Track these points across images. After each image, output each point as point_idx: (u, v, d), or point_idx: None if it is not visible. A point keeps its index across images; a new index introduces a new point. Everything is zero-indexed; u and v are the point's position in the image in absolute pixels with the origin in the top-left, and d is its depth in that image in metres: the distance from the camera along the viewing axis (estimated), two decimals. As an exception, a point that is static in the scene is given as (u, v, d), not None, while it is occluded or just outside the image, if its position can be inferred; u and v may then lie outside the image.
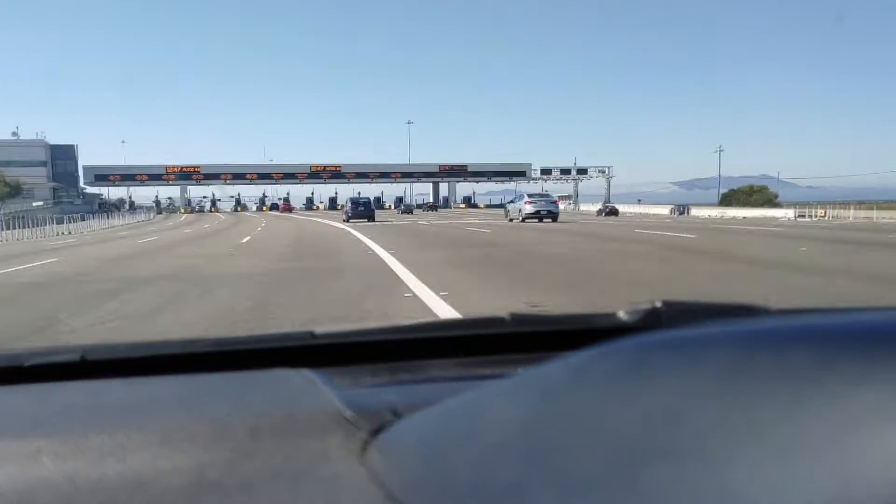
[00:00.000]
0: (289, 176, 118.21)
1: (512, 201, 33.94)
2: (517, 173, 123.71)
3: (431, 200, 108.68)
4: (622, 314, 1.05)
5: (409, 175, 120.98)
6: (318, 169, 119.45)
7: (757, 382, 0.44)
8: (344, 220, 33.74)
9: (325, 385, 0.83)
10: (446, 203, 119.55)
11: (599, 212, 69.14)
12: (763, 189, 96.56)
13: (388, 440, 0.63)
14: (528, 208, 28.06)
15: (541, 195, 32.14)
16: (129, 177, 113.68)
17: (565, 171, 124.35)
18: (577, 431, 0.48)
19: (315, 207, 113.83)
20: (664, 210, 77.08)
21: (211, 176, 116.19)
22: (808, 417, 0.39)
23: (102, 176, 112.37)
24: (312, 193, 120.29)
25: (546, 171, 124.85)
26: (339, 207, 66.34)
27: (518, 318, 1.12)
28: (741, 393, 0.44)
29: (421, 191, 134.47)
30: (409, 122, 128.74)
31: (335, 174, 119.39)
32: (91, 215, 67.56)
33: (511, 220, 30.04)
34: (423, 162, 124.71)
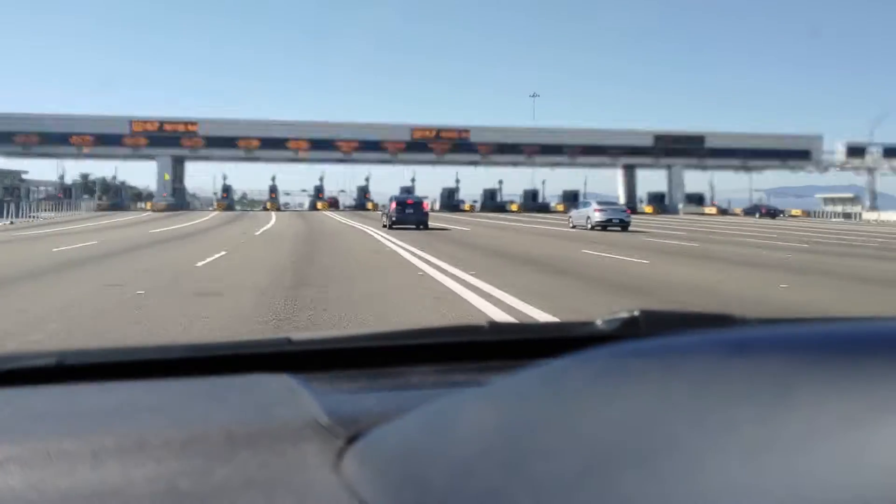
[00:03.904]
0: (370, 147, 60.44)
1: (576, 207, 31.19)
2: (795, 154, 65.74)
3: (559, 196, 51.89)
4: (599, 322, 1.05)
5: (595, 151, 63.12)
6: (427, 136, 61.65)
7: (732, 390, 0.45)
8: (384, 226, 25.10)
9: (302, 391, 0.82)
10: (667, 204, 62.58)
11: (750, 211, 59.13)
12: None
13: (365, 447, 0.63)
14: (598, 216, 26.67)
15: (609, 202, 30.09)
16: (55, 138, 56.15)
17: (892, 151, 66.41)
18: (553, 438, 0.48)
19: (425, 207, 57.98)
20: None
21: (219, 142, 58.37)
22: (782, 425, 0.40)
23: (2, 135, 55.26)
24: (413, 181, 63.03)
25: (855, 151, 66.70)
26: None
27: (496, 327, 1.14)
28: (716, 400, 0.45)
29: (598, 182, 77.03)
30: (534, 96, 74.66)
31: (459, 145, 61.64)
32: None
33: (574, 226, 28.50)
34: (618, 128, 66.82)
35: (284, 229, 26.27)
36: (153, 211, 51.15)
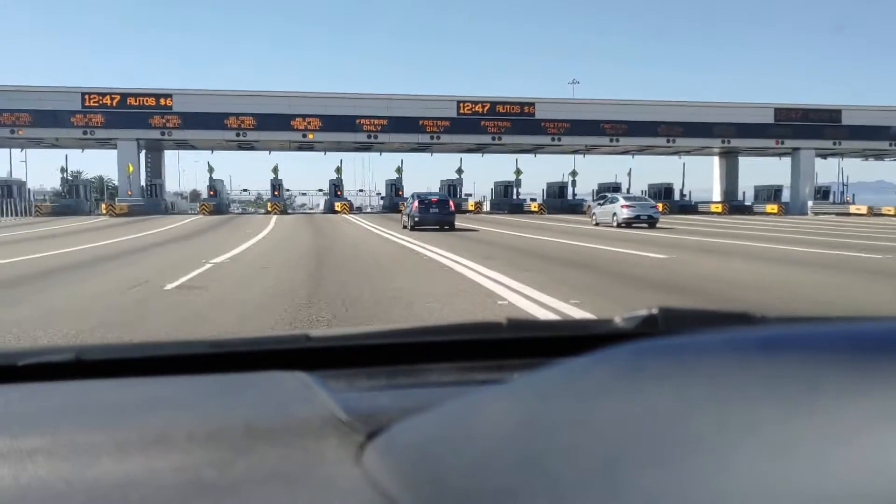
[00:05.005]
0: (403, 125, 45.08)
1: (601, 203, 29.24)
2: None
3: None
4: (619, 320, 1.05)
5: (698, 130, 47.71)
6: (478, 111, 46.32)
7: (754, 389, 0.44)
8: (405, 228, 23.20)
9: (321, 388, 0.82)
10: (799, 202, 47.47)
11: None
12: None
13: (384, 443, 0.63)
14: (626, 212, 25.11)
15: (638, 198, 28.41)
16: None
17: None
18: (571, 437, 0.48)
19: (474, 206, 42.78)
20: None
21: (199, 119, 43.09)
22: (806, 425, 0.40)
23: None
24: (461, 171, 47.93)
25: None
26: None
27: (515, 324, 1.13)
28: (738, 399, 0.44)
29: (692, 172, 61.47)
30: (573, 82, 61.86)
31: (520, 123, 46.36)
32: None
33: (597, 223, 26.80)
34: (727, 101, 51.26)
35: (264, 258, 11.80)
36: (110, 216, 36.50)
